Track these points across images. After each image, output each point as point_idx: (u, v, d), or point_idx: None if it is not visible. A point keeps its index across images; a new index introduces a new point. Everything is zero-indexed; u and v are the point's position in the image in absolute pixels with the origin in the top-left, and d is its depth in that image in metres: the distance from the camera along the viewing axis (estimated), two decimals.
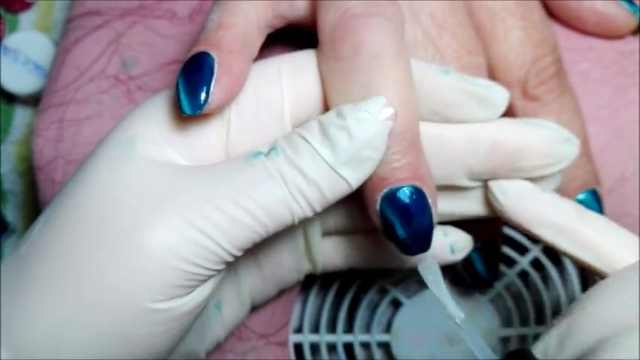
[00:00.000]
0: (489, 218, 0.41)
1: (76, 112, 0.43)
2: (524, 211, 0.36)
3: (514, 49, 0.40)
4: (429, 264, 0.35)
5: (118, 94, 0.43)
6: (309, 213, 0.33)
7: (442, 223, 0.40)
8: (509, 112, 0.39)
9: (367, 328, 0.46)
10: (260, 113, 0.34)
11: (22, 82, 0.52)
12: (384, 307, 0.45)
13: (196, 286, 0.33)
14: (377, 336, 0.45)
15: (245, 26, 0.34)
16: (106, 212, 0.32)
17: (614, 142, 0.43)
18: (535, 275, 0.45)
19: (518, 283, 0.45)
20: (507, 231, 0.45)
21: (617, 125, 0.43)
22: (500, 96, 0.36)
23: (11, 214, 0.54)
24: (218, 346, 0.43)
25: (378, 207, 0.34)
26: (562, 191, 0.39)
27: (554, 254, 0.44)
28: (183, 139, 0.34)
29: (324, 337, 0.45)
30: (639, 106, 0.43)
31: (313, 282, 0.46)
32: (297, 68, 0.35)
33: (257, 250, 0.40)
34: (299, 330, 0.46)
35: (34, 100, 0.53)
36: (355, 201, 0.35)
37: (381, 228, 0.34)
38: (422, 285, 0.45)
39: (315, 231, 0.40)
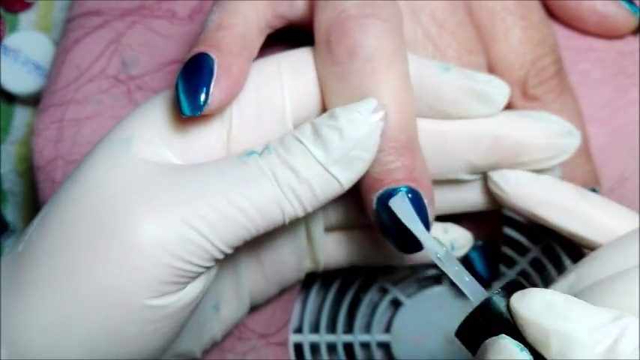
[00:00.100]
0: (489, 218, 0.41)
1: (76, 112, 0.43)
2: (528, 196, 0.36)
3: (514, 49, 0.40)
4: (401, 202, 0.34)
5: (118, 94, 0.43)
6: (300, 212, 0.33)
7: (443, 216, 0.40)
8: None
9: (367, 328, 0.45)
10: (261, 113, 0.35)
11: (22, 82, 0.52)
12: (384, 307, 0.45)
13: (186, 283, 0.33)
14: (377, 336, 0.45)
15: (245, 27, 0.34)
16: (98, 210, 0.32)
17: (614, 142, 0.43)
18: (535, 275, 0.45)
19: None
20: (507, 231, 0.45)
21: (617, 125, 0.43)
22: (500, 91, 0.36)
23: (11, 214, 0.54)
24: (218, 346, 0.43)
25: (374, 207, 0.34)
26: None
27: (554, 254, 0.44)
28: (184, 140, 0.34)
29: (324, 337, 0.45)
30: (639, 106, 0.43)
31: (313, 282, 0.46)
32: (297, 67, 0.35)
33: (259, 248, 0.40)
34: (299, 330, 0.46)
35: (34, 100, 0.53)
36: (357, 197, 0.36)
37: (378, 228, 0.34)
38: (422, 285, 0.45)
39: (318, 227, 0.40)
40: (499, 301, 0.30)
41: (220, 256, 0.33)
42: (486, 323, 0.30)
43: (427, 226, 0.34)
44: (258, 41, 0.36)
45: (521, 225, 0.45)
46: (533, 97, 0.40)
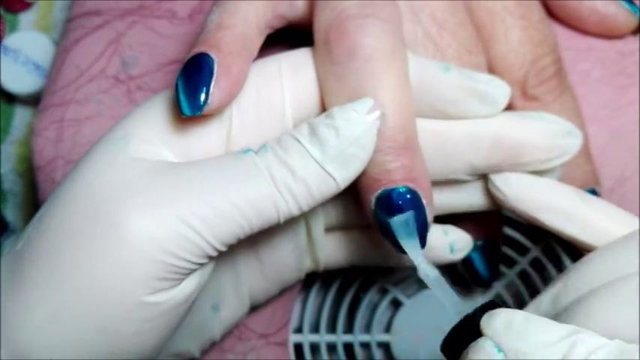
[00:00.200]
0: (489, 218, 0.41)
1: (76, 112, 0.43)
2: (528, 199, 0.36)
3: (514, 49, 0.40)
4: (401, 222, 0.35)
5: (118, 94, 0.43)
6: (296, 211, 0.33)
7: (443, 217, 0.40)
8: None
9: (367, 328, 0.45)
10: (261, 113, 0.35)
11: (22, 82, 0.52)
12: (384, 307, 0.45)
13: (180, 280, 0.33)
14: (377, 336, 0.45)
15: (244, 27, 0.34)
16: (93, 206, 0.32)
17: (614, 142, 0.43)
18: (535, 275, 0.45)
19: (518, 283, 0.45)
20: (507, 231, 0.45)
21: (617, 125, 0.43)
22: (500, 91, 0.36)
23: (11, 214, 0.54)
24: (218, 346, 0.43)
25: (372, 207, 0.34)
26: None
27: (554, 254, 0.44)
28: (183, 140, 0.34)
29: (324, 337, 0.45)
30: (639, 106, 0.43)
31: (313, 282, 0.46)
32: (297, 67, 0.35)
33: (259, 247, 0.40)
34: (299, 330, 0.46)
35: (34, 100, 0.53)
36: (357, 197, 0.36)
37: (376, 228, 0.34)
38: (422, 285, 0.45)
39: (319, 226, 0.40)
40: (476, 320, 0.31)
41: (214, 254, 0.33)
42: (467, 337, 0.31)
43: (426, 228, 0.34)
44: (258, 41, 0.36)
45: (521, 225, 0.45)
46: (533, 97, 0.40)
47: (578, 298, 0.32)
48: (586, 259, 0.34)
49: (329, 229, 0.41)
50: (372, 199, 0.34)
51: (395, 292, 0.45)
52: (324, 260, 0.41)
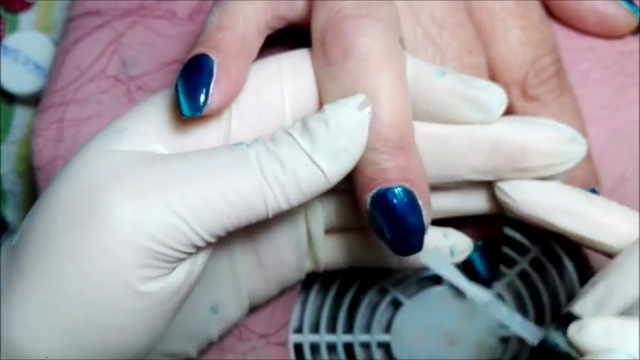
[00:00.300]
0: (490, 218, 0.41)
1: (76, 112, 0.43)
2: (536, 203, 0.36)
3: (513, 49, 0.40)
4: (433, 254, 0.35)
5: (118, 94, 0.43)
6: (284, 205, 0.33)
7: (442, 219, 0.40)
8: (509, 113, 0.39)
9: (367, 328, 0.46)
10: (261, 113, 0.35)
11: (22, 82, 0.52)
12: (384, 307, 0.45)
13: (167, 269, 0.33)
14: (377, 336, 0.45)
15: (244, 27, 0.34)
16: (81, 196, 0.32)
17: (614, 142, 0.43)
18: (535, 275, 0.45)
19: (518, 283, 0.45)
20: (507, 231, 0.45)
21: (617, 125, 0.43)
22: (495, 99, 0.35)
23: (11, 214, 0.54)
24: (218, 346, 0.43)
25: (367, 207, 0.34)
26: None
27: (554, 254, 0.44)
28: (182, 140, 0.34)
29: (324, 337, 0.45)
30: (639, 106, 0.43)
31: (313, 282, 0.46)
32: (297, 68, 0.35)
33: (259, 248, 0.40)
34: (299, 330, 0.46)
35: (34, 100, 0.53)
36: (355, 198, 0.36)
37: (372, 228, 0.34)
38: (422, 285, 0.45)
39: (319, 227, 0.40)
40: (556, 338, 0.31)
41: (201, 244, 0.33)
42: None
43: (423, 229, 0.34)
44: (258, 42, 0.36)
45: (521, 225, 0.45)
46: (532, 98, 0.40)
47: (634, 300, 0.32)
48: (621, 261, 0.34)
49: (328, 231, 0.41)
50: (368, 198, 0.34)
51: (395, 293, 0.45)
52: (324, 261, 0.41)
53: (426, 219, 0.34)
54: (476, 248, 0.42)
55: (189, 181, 0.32)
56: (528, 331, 0.32)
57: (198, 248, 0.33)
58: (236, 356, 0.44)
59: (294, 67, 0.35)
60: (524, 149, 0.36)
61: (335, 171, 0.33)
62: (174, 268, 0.33)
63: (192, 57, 0.33)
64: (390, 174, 0.34)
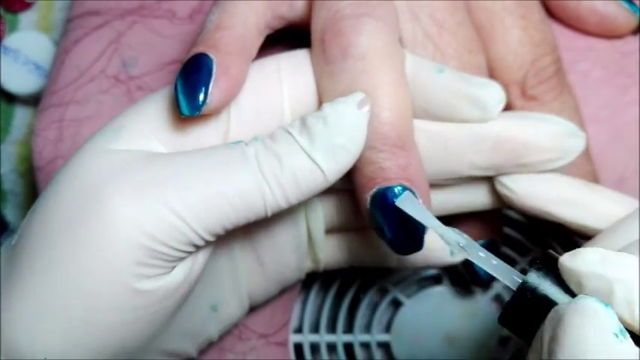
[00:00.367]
0: (489, 218, 0.41)
1: (76, 112, 0.43)
2: (537, 194, 0.37)
3: (513, 49, 0.40)
4: (407, 195, 0.34)
5: (118, 94, 0.43)
6: (283, 203, 0.33)
7: (441, 218, 0.40)
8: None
9: (367, 328, 0.46)
10: (260, 112, 0.35)
11: (22, 82, 0.52)
12: (384, 307, 0.45)
13: (166, 268, 0.33)
14: (377, 336, 0.45)
15: (244, 27, 0.35)
16: (79, 194, 0.32)
17: (614, 142, 0.43)
18: None
19: None
20: (507, 231, 0.45)
21: (617, 125, 0.43)
22: (493, 96, 0.35)
23: (11, 214, 0.54)
24: (218, 346, 0.43)
25: (367, 206, 0.34)
26: None
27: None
28: (181, 139, 0.34)
29: (324, 337, 0.45)
30: (639, 106, 0.43)
31: (313, 282, 0.46)
32: (296, 67, 0.35)
33: (259, 247, 0.40)
34: (299, 330, 0.46)
35: (34, 100, 0.53)
36: (355, 198, 0.36)
37: (372, 227, 0.34)
38: (422, 285, 0.45)
39: (319, 227, 0.40)
40: (536, 280, 0.29)
41: (200, 242, 0.33)
42: (532, 305, 0.29)
43: (423, 228, 0.34)
44: (257, 42, 0.36)
45: (521, 225, 0.45)
46: (532, 97, 0.40)
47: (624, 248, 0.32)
48: (615, 226, 0.34)
49: (328, 230, 0.41)
50: (368, 197, 0.34)
51: (395, 292, 0.45)
52: (324, 261, 0.41)
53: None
54: None
55: (187, 179, 0.32)
56: (505, 274, 0.31)
57: (198, 247, 0.33)
58: (236, 356, 0.44)
59: (293, 67, 0.35)
60: (525, 145, 0.36)
61: (333, 169, 0.33)
62: (173, 267, 0.33)
63: (192, 56, 0.33)
64: (390, 173, 0.34)
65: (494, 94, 0.35)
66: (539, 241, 0.45)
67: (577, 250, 0.29)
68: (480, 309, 0.45)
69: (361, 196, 0.34)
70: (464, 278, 0.44)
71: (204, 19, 0.36)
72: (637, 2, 0.43)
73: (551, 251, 0.31)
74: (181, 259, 0.33)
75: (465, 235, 0.32)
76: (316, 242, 0.40)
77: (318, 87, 0.35)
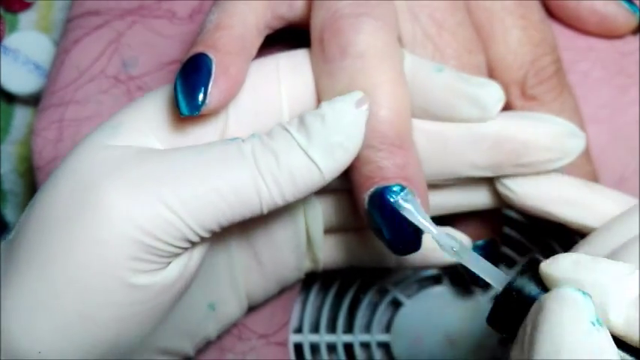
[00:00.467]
0: (489, 218, 0.41)
1: (75, 112, 0.43)
2: (538, 194, 0.37)
3: (512, 49, 0.40)
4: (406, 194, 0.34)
5: (117, 94, 0.43)
6: (279, 200, 0.33)
7: (442, 217, 0.40)
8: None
9: (367, 328, 0.46)
10: (259, 111, 0.35)
11: (22, 82, 0.52)
12: (384, 307, 0.45)
13: (161, 264, 0.33)
14: (377, 336, 0.45)
15: (243, 27, 0.35)
16: (76, 189, 0.32)
17: (614, 142, 0.43)
18: None
19: None
20: (507, 231, 0.45)
21: (617, 125, 0.43)
22: (493, 95, 0.35)
23: (11, 214, 0.54)
24: (218, 346, 0.43)
25: (365, 206, 0.34)
26: None
27: (554, 254, 0.44)
28: (180, 137, 0.34)
29: (324, 337, 0.45)
30: (639, 106, 0.43)
31: (313, 282, 0.46)
32: (295, 66, 0.35)
33: (257, 245, 0.40)
34: (299, 330, 0.46)
35: (34, 100, 0.53)
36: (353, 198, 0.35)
37: (370, 227, 0.34)
38: (422, 285, 0.45)
39: (318, 227, 0.40)
40: (523, 282, 0.30)
41: (195, 238, 0.33)
42: (517, 305, 0.30)
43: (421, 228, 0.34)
44: (257, 42, 0.36)
45: (521, 225, 0.45)
46: (532, 97, 0.40)
47: (614, 250, 0.33)
48: (608, 224, 0.34)
49: (327, 230, 0.41)
50: (365, 197, 0.34)
51: (395, 292, 0.45)
52: (323, 261, 0.41)
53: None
54: (475, 248, 0.42)
55: (182, 174, 0.32)
56: (496, 278, 0.32)
57: (193, 243, 0.33)
58: (236, 356, 0.44)
59: (292, 66, 0.35)
60: (525, 145, 0.36)
61: (331, 167, 0.33)
62: (169, 263, 0.33)
63: (191, 56, 0.33)
64: (388, 172, 0.34)
65: (493, 93, 0.35)
66: (539, 241, 0.45)
67: (555, 256, 0.30)
68: (480, 309, 0.45)
69: (359, 195, 0.34)
70: (464, 278, 0.44)
71: (204, 19, 0.36)
72: (637, 2, 0.43)
73: (537, 256, 0.31)
74: (177, 254, 0.33)
75: (459, 240, 0.33)
76: (315, 242, 0.40)
77: (317, 86, 0.35)
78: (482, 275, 0.32)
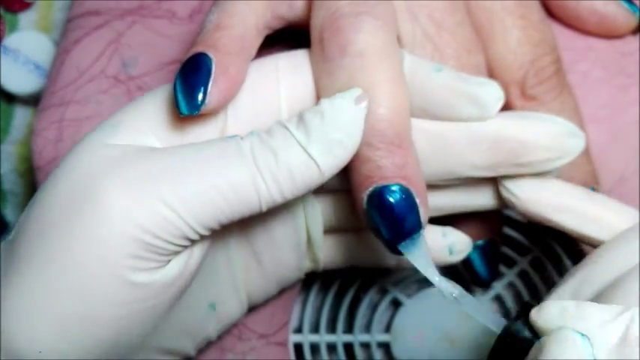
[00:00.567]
0: (489, 218, 0.41)
1: (75, 112, 0.43)
2: (541, 201, 0.37)
3: (512, 49, 0.40)
4: (413, 242, 0.35)
5: (117, 94, 0.43)
6: (278, 197, 0.33)
7: (442, 217, 0.40)
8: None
9: (367, 328, 0.46)
10: (258, 111, 0.35)
11: (22, 82, 0.52)
12: (384, 307, 0.45)
13: (162, 262, 0.33)
14: (377, 336, 0.45)
15: (243, 27, 0.35)
16: (76, 188, 0.32)
17: (614, 142, 0.43)
18: (535, 275, 0.45)
19: (518, 283, 0.45)
20: (507, 231, 0.45)
21: (617, 125, 0.43)
22: (492, 94, 0.35)
23: (11, 214, 0.54)
24: (218, 346, 0.43)
25: (364, 206, 0.34)
26: None
27: (554, 254, 0.44)
28: (179, 137, 0.34)
29: (324, 337, 0.45)
30: (639, 106, 0.43)
31: (313, 282, 0.46)
32: (295, 66, 0.35)
33: (256, 244, 0.40)
34: (299, 330, 0.46)
35: (34, 100, 0.53)
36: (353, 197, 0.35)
37: (369, 227, 0.34)
38: (422, 285, 0.45)
39: (318, 226, 0.40)
40: (517, 326, 0.32)
41: (194, 237, 0.33)
42: (515, 347, 0.31)
43: (420, 226, 0.34)
44: (257, 42, 0.36)
45: (521, 225, 0.45)
46: (532, 97, 0.40)
47: (606, 287, 0.32)
48: (601, 252, 0.34)
49: (327, 230, 0.41)
50: (364, 197, 0.34)
51: (395, 292, 0.45)
52: (323, 261, 0.41)
53: (424, 217, 0.34)
54: (475, 248, 0.42)
55: (181, 172, 0.32)
56: (495, 323, 0.33)
57: (193, 241, 0.33)
58: (236, 356, 0.44)
59: (292, 67, 0.35)
60: (524, 144, 0.36)
61: (330, 164, 0.33)
62: (168, 261, 0.33)
63: (191, 56, 0.33)
64: (387, 171, 0.34)
65: (492, 92, 0.35)
66: (539, 241, 0.45)
67: (542, 304, 0.31)
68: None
69: (358, 195, 0.34)
70: (464, 278, 0.44)
71: (203, 19, 0.36)
72: (637, 2, 0.43)
73: (530, 301, 0.32)
74: (176, 253, 0.33)
75: (459, 286, 0.34)
76: (315, 242, 0.40)
77: (316, 86, 0.35)
78: (480, 320, 0.34)
